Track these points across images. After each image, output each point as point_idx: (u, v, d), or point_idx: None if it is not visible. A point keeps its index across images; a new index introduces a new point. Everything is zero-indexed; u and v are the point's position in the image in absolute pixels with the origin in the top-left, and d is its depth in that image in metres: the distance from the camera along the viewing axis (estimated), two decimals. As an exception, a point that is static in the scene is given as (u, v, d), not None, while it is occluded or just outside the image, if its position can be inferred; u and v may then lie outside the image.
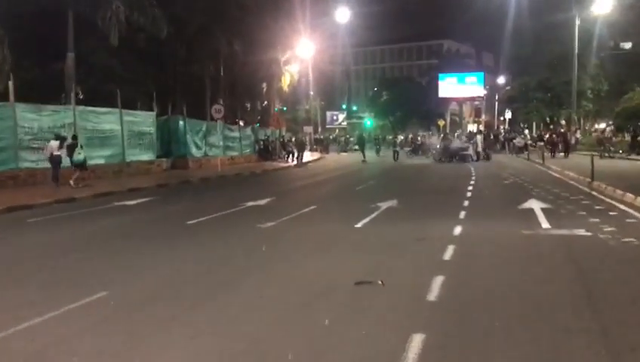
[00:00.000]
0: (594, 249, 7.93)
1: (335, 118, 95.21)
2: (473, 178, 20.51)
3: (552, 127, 57.46)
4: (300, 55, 51.41)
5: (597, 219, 10.27)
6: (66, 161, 17.26)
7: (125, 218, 12.06)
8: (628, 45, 51.06)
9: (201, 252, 8.19)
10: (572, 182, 18.18)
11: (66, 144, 17.34)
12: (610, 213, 11.08)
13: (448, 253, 7.62)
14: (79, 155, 17.53)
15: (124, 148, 22.84)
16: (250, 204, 13.61)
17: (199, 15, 26.67)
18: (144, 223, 11.36)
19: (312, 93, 69.27)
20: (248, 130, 37.24)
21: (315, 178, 23.24)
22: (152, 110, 25.44)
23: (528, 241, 8.53)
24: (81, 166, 17.72)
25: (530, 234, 9.04)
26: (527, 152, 39.73)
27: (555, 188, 16.33)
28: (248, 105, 54.56)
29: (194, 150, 28.29)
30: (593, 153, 33.76)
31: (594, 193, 14.82)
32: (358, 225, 10.16)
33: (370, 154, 41.14)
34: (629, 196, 12.81)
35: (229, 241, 8.98)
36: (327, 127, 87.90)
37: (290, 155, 36.65)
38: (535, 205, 12.39)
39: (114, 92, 22.11)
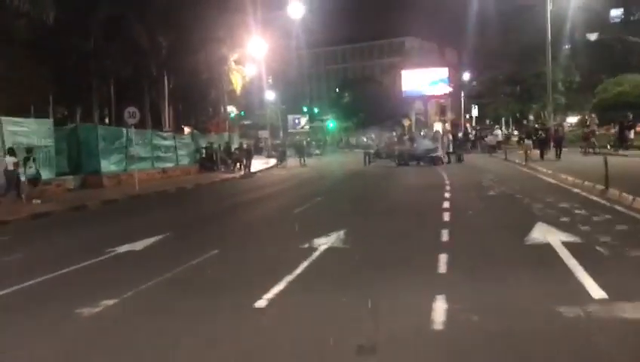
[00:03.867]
0: None
1: (297, 121, 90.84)
2: (447, 188, 16.22)
3: (525, 122, 54.15)
4: (254, 54, 46.76)
5: (674, 270, 6.01)
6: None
7: None
8: (593, 37, 48.47)
9: None
10: (576, 190, 14.04)
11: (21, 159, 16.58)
12: (683, 253, 6.86)
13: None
14: (30, 169, 16.67)
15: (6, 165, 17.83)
16: (125, 248, 8.98)
17: (107, 2, 21.71)
18: None
19: (269, 95, 64.97)
20: (187, 138, 32.40)
21: (252, 193, 18.66)
22: (51, 117, 20.50)
23: (588, 348, 4.16)
24: (34, 180, 16.82)
25: (579, 320, 4.69)
26: (500, 151, 36.07)
27: (559, 200, 12.12)
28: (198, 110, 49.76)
29: (110, 164, 23.32)
30: (575, 149, 30.32)
31: (618, 208, 10.65)
32: (262, 301, 5.64)
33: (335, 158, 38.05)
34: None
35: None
36: (290, 131, 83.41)
37: (238, 164, 32.10)
38: (550, 236, 8.10)
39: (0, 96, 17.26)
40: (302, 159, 37.19)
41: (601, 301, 5.11)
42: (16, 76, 19.29)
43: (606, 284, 5.50)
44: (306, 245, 8.40)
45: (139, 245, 9.18)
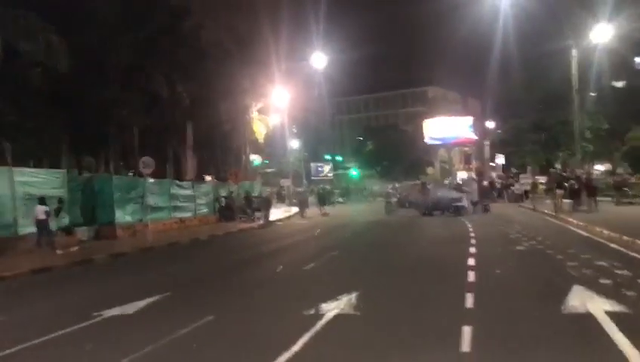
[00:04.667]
0: None
1: (320, 169, 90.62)
2: (473, 241, 15.19)
3: (552, 170, 52.46)
4: (278, 103, 46.86)
5: None
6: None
7: None
8: (620, 83, 47.54)
9: None
10: (613, 246, 12.93)
11: (52, 208, 17.07)
12: None
13: None
14: (63, 219, 17.43)
15: (15, 217, 17.41)
16: (114, 311, 8.18)
17: (127, 52, 21.62)
18: None
19: (293, 143, 64.91)
20: (206, 187, 31.90)
21: (266, 246, 17.82)
22: (67, 167, 20.19)
23: None
24: (68, 230, 17.51)
25: None
26: (527, 200, 34.90)
27: (595, 257, 11.03)
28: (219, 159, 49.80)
29: (125, 214, 22.80)
30: (605, 198, 28.87)
31: (665, 268, 9.54)
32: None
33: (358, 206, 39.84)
34: None
35: None
36: (313, 178, 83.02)
37: (257, 213, 31.41)
38: (591, 304, 7.07)
39: (12, 146, 16.99)
40: (323, 208, 36.56)
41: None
42: (29, 125, 19.04)
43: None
44: (312, 311, 7.50)
45: (131, 308, 8.38)
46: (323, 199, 38.66)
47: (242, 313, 7.91)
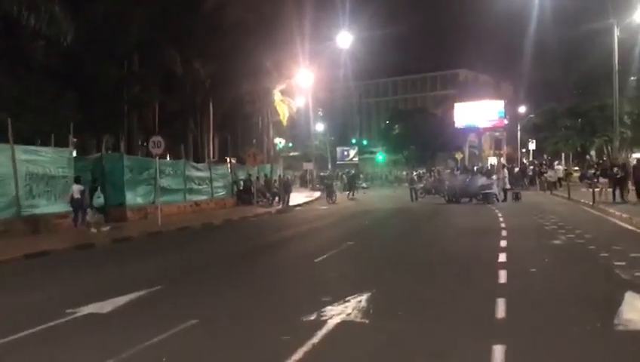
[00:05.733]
0: None
1: (346, 153, 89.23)
2: (504, 233, 13.84)
3: (588, 157, 50.29)
4: (302, 85, 45.56)
5: None
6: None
7: None
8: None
9: None
10: (664, 242, 11.46)
11: (87, 188, 17.25)
12: None
13: None
14: (99, 199, 17.33)
15: (18, 196, 16.61)
16: (90, 309, 7.14)
17: (139, 27, 20.53)
18: None
19: (317, 126, 63.66)
20: (223, 169, 30.94)
21: (279, 233, 16.77)
22: (76, 147, 19.35)
23: None
24: (102, 210, 17.57)
25: None
26: (560, 188, 33.24)
27: (647, 256, 9.64)
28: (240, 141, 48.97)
29: (136, 196, 21.95)
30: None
31: None
32: None
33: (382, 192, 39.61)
34: None
35: None
36: (338, 163, 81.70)
37: (277, 198, 30.43)
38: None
39: (16, 123, 16.14)
40: (351, 192, 35.86)
41: None
42: (34, 102, 18.14)
43: None
44: (313, 316, 6.35)
45: (109, 305, 7.33)
46: (351, 184, 37.92)
47: (232, 317, 6.71)
